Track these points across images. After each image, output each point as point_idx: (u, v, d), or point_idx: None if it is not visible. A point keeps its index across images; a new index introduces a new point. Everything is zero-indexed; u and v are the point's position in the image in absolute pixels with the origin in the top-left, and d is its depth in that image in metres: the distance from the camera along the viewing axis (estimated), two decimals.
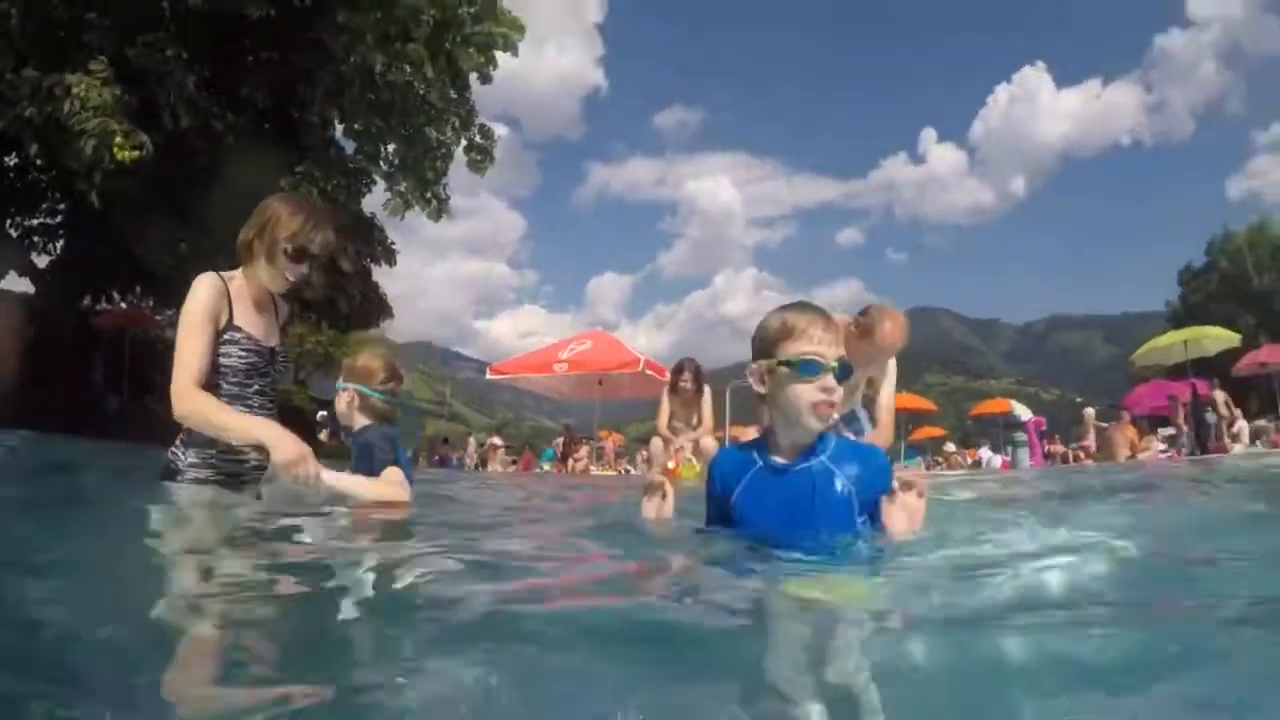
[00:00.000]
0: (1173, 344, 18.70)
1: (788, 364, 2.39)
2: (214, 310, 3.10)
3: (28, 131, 11.86)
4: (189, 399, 2.99)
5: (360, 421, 3.46)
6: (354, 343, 25.50)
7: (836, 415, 2.43)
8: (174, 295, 18.04)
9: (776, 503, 2.40)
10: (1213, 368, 23.12)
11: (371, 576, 2.07)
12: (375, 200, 18.24)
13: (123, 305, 19.14)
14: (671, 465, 7.47)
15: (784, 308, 2.52)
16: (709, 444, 7.95)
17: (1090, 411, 18.03)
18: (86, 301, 17.87)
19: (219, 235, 14.31)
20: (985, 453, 21.53)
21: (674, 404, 8.37)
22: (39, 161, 14.50)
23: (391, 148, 17.41)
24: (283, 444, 2.91)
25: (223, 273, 3.23)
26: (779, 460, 2.45)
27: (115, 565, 2.18)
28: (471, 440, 23.94)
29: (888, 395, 5.34)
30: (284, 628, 1.70)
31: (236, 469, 3.19)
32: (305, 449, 2.95)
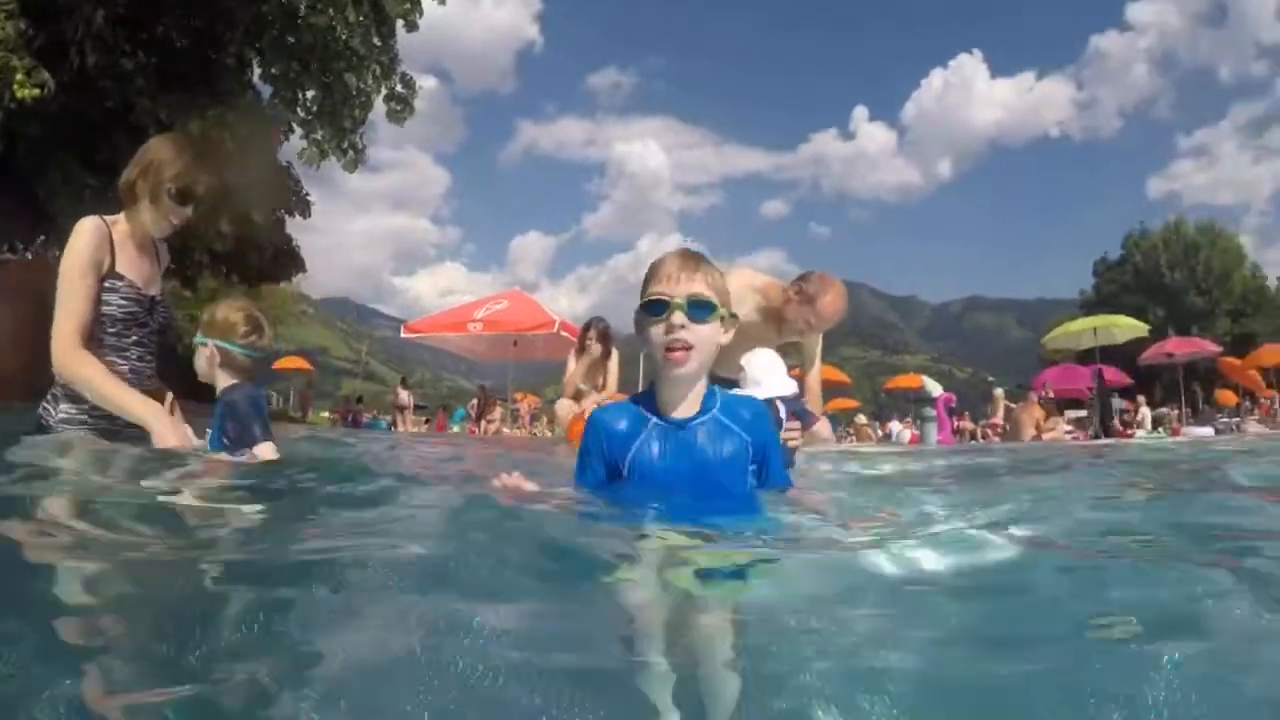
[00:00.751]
0: (1083, 330, 19.20)
1: (641, 307, 2.32)
2: (97, 257, 3.01)
3: None
4: (73, 360, 2.93)
5: (224, 380, 3.17)
6: (263, 295, 24.65)
7: (693, 360, 2.27)
8: None
9: (678, 460, 2.30)
10: (1120, 356, 24.01)
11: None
12: (291, 149, 17.73)
13: (28, 255, 18.41)
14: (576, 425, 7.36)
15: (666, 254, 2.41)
16: None
17: (1000, 391, 18.43)
18: None
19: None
20: (895, 426, 22.07)
21: (581, 364, 8.22)
22: None
23: (310, 94, 16.78)
24: (160, 428, 2.91)
25: (106, 216, 3.12)
26: (673, 415, 2.34)
27: None
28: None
29: (815, 372, 5.31)
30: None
31: (109, 425, 3.07)
32: (182, 433, 2.96)
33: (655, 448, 2.31)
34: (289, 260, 19.60)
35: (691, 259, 2.34)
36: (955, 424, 16.54)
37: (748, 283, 4.92)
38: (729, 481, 2.31)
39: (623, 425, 2.37)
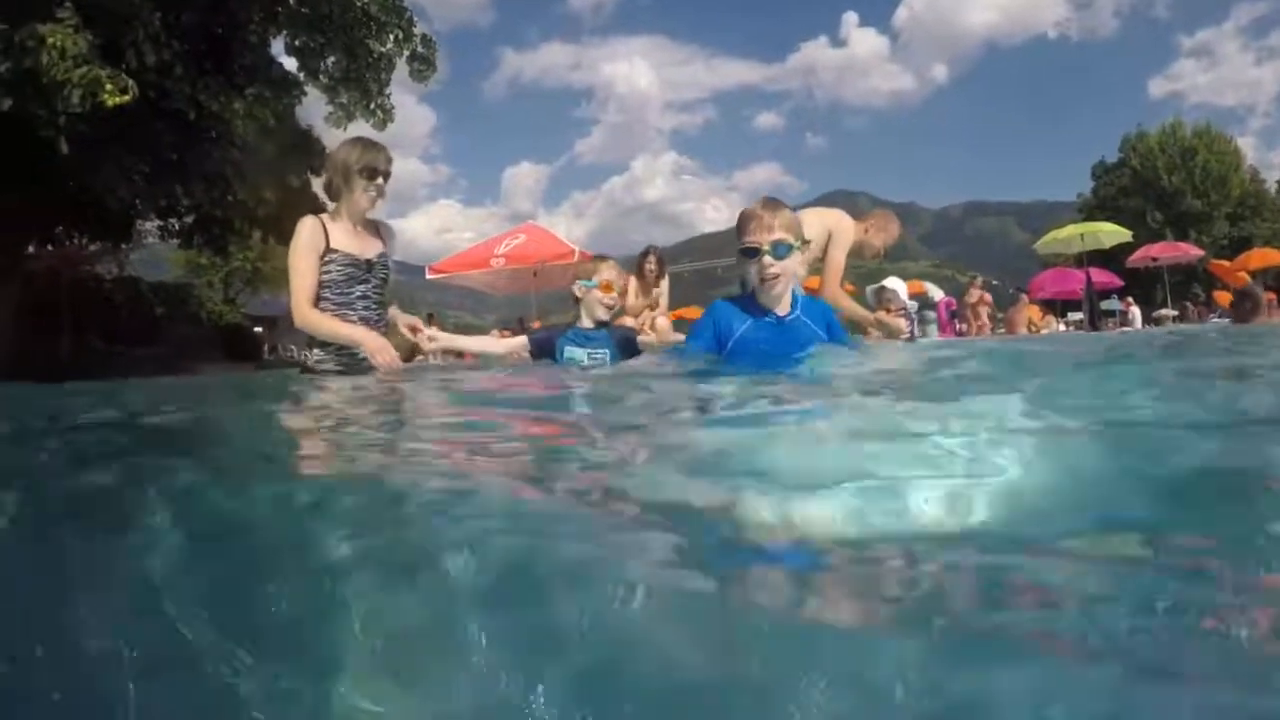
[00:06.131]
0: (1071, 236, 19.92)
1: (740, 251, 3.32)
2: (313, 242, 3.99)
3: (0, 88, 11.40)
4: (305, 314, 3.95)
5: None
6: (281, 255, 25.50)
7: (780, 284, 3.30)
8: (123, 229, 18.25)
9: (773, 345, 3.30)
10: (1114, 259, 25.05)
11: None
12: (305, 111, 18.69)
13: (54, 246, 19.22)
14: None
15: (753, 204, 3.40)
16: (663, 323, 9.09)
17: (976, 293, 18.66)
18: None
19: (173, 163, 14.59)
20: None
21: (641, 287, 9.37)
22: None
23: (331, 60, 17.51)
24: (367, 340, 3.94)
25: (321, 214, 4.14)
26: (775, 313, 3.36)
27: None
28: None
29: (836, 282, 6.43)
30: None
31: (350, 360, 4.09)
32: (383, 342, 3.95)
33: (755, 335, 3.34)
34: None
35: (770, 209, 3.29)
36: (958, 326, 17.44)
37: (820, 220, 6.14)
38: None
39: (729, 316, 3.40)
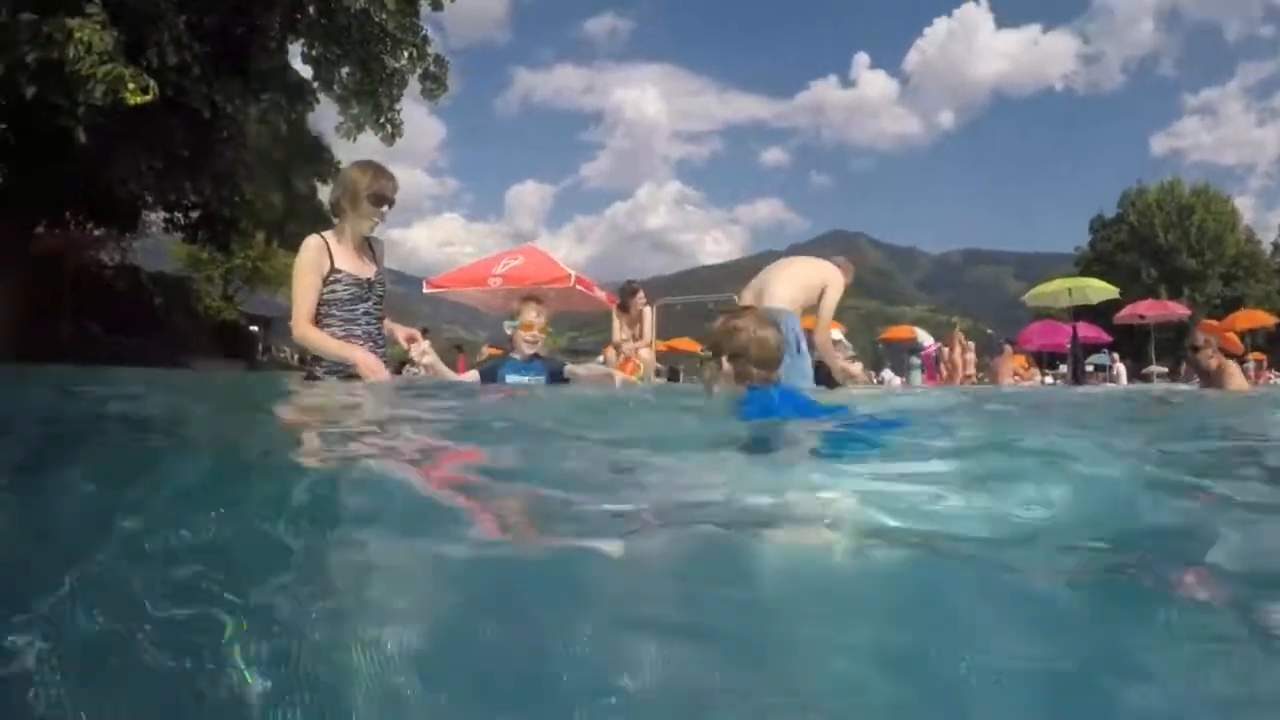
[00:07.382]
0: (1059, 290, 20.07)
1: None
2: (316, 262, 4.15)
3: (24, 75, 11.57)
4: (302, 331, 4.15)
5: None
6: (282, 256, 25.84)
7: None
8: (130, 218, 18.49)
9: None
10: (1101, 314, 25.42)
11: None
12: (315, 120, 18.64)
13: (60, 230, 19.14)
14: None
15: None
16: (646, 354, 9.38)
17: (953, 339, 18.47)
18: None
19: (185, 160, 14.90)
20: (887, 374, 23.35)
21: (623, 320, 9.64)
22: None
23: (345, 72, 17.77)
24: (362, 360, 4.09)
25: (324, 232, 4.29)
26: None
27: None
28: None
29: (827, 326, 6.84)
30: None
31: (350, 370, 4.22)
32: (376, 363, 4.13)
33: None
34: (325, 225, 20.57)
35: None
36: (942, 373, 17.68)
37: (818, 270, 6.59)
38: None
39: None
